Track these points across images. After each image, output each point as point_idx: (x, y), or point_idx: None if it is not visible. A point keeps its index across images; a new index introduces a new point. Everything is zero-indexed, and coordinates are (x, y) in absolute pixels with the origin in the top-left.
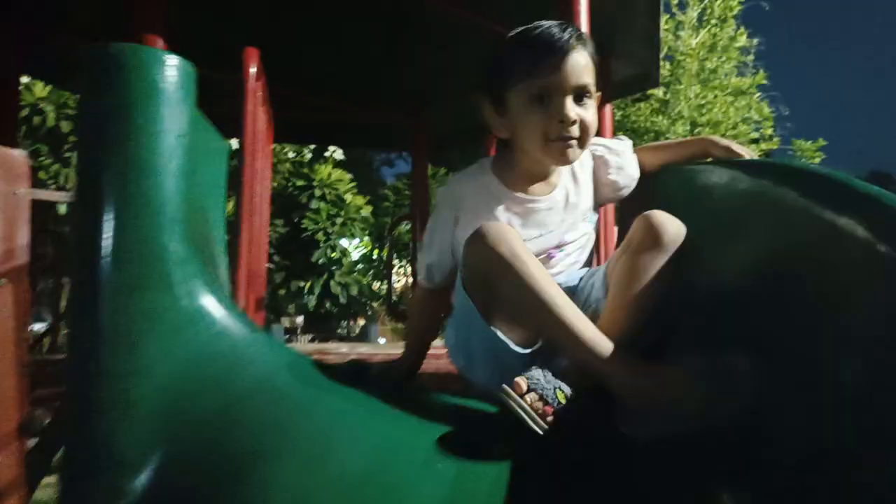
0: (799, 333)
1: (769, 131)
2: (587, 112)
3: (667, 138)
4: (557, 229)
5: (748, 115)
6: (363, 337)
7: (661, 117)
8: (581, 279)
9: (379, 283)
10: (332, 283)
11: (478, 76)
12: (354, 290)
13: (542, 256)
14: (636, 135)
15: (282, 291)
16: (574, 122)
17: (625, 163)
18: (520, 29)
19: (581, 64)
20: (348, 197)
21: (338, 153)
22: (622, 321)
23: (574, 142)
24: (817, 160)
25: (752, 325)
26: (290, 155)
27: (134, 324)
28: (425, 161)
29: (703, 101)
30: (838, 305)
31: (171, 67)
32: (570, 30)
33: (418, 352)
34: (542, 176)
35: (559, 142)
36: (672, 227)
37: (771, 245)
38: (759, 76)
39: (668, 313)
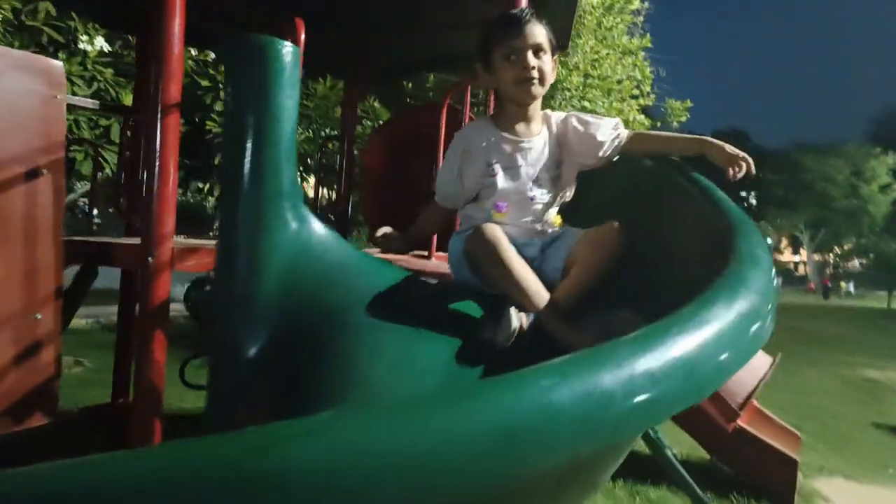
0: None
1: (647, 89)
2: (544, 63)
3: (564, 87)
4: (535, 164)
5: (632, 73)
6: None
7: (560, 68)
8: (539, 254)
9: None
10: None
11: (420, 11)
12: None
13: (524, 192)
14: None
15: (180, 190)
16: (533, 68)
17: (591, 134)
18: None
19: (535, 31)
20: None
21: None
22: (573, 292)
23: (535, 81)
24: (683, 119)
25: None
26: (193, 52)
27: (259, 229)
28: (359, 89)
29: (596, 57)
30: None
31: (290, 52)
32: (529, 11)
33: (415, 236)
34: (526, 120)
35: (524, 82)
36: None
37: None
38: (645, 39)
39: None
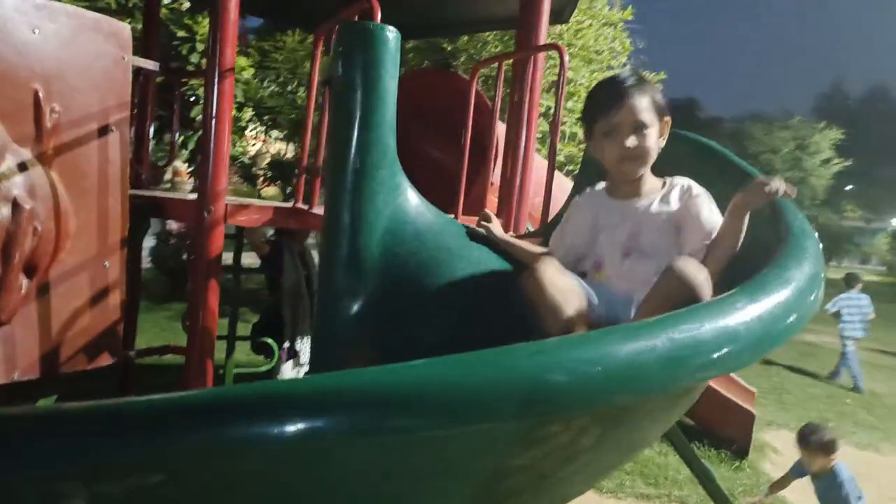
0: None
1: (623, 60)
2: (646, 140)
3: (549, 56)
4: (632, 225)
5: (612, 44)
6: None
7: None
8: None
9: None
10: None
11: None
12: (235, 152)
13: (616, 253)
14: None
15: (153, 142)
16: (633, 147)
17: (695, 227)
18: (601, 79)
19: (637, 105)
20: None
21: None
22: None
23: (635, 161)
24: None
25: None
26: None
27: (365, 198)
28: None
29: (579, 27)
30: None
31: (394, 37)
32: (631, 79)
33: (517, 251)
34: (632, 187)
35: (624, 161)
36: (700, 276)
37: None
38: (626, 12)
39: None
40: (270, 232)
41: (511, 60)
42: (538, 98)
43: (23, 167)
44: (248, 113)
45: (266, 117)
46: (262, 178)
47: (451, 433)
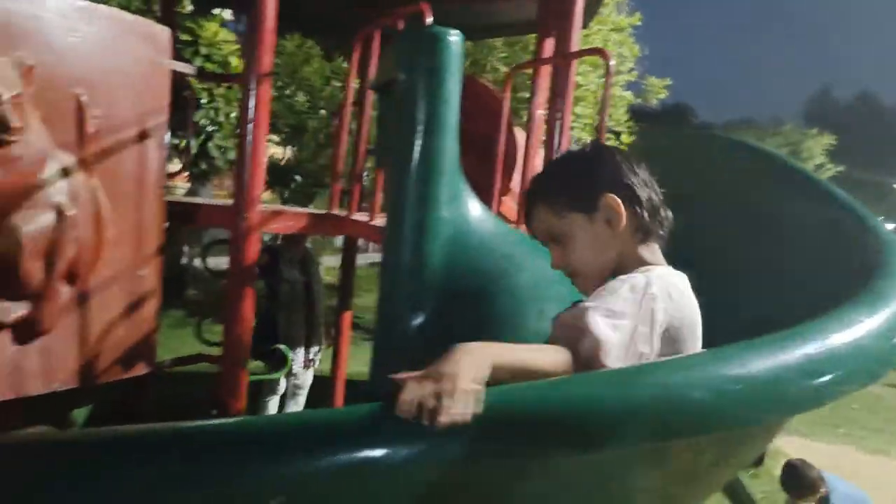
0: None
1: (630, 65)
2: (561, 253)
3: None
4: None
5: (620, 50)
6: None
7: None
8: None
9: None
10: (210, 144)
11: None
12: (231, 154)
13: None
14: (526, 50)
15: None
16: (558, 267)
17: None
18: None
19: (533, 221)
20: (234, 60)
21: (226, 13)
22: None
23: (574, 281)
24: (662, 96)
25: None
26: None
27: (428, 205)
28: None
29: (587, 33)
30: None
31: (458, 41)
32: (533, 183)
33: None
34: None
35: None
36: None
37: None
38: (635, 17)
39: None
40: (267, 238)
41: (530, 68)
42: (571, 104)
43: (66, 173)
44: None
45: None
46: None
47: (590, 457)
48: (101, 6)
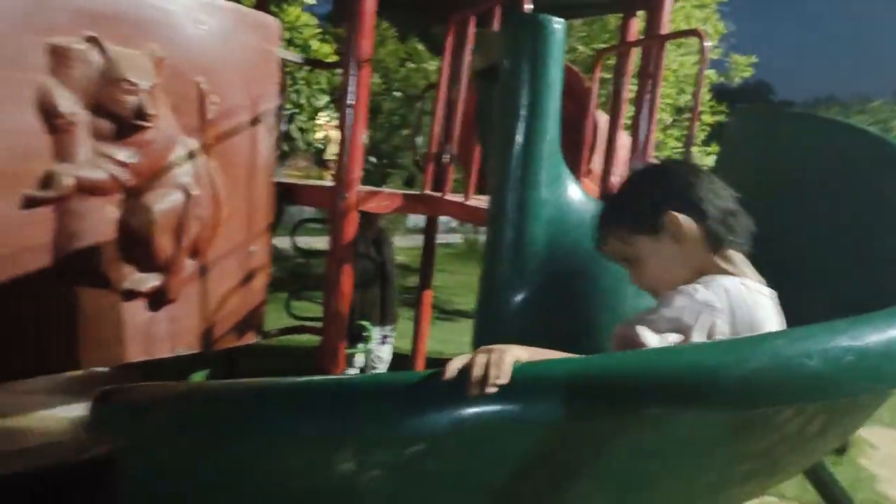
0: None
1: (714, 42)
2: (636, 273)
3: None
4: None
5: (704, 27)
6: None
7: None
8: None
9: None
10: (291, 126)
11: None
12: (311, 137)
13: None
14: (605, 29)
15: None
16: (637, 284)
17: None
18: None
19: (605, 244)
20: (314, 43)
21: None
22: None
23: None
24: (747, 74)
25: None
26: None
27: (530, 187)
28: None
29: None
30: None
31: (561, 28)
32: (599, 230)
33: None
34: None
35: None
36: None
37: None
38: None
39: None
40: None
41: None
42: (660, 87)
43: (190, 156)
44: (324, 99)
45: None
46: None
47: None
48: (223, 1)
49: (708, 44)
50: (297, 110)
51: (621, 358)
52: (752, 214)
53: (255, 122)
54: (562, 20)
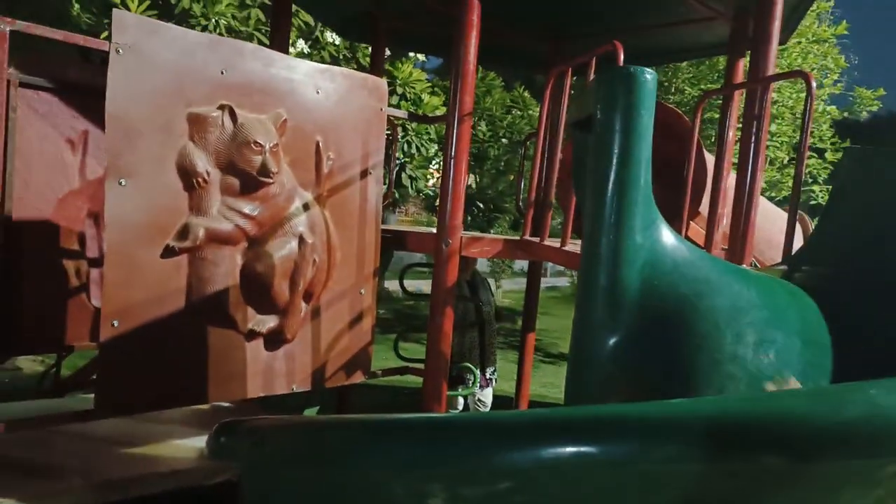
0: None
1: (835, 77)
2: None
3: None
4: None
5: (823, 62)
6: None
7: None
8: None
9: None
10: (403, 174)
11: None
12: (421, 185)
13: None
14: (714, 69)
15: None
16: None
17: None
18: None
19: None
20: (425, 97)
21: (420, 55)
22: None
23: None
24: (874, 108)
25: None
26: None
27: (624, 233)
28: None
29: (784, 47)
30: None
31: (652, 79)
32: None
33: None
34: None
35: None
36: None
37: None
38: (840, 26)
39: None
40: None
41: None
42: (767, 129)
43: (306, 207)
44: (433, 148)
45: None
46: None
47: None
48: (339, 68)
49: (814, 84)
50: (407, 160)
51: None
52: (861, 257)
53: (364, 174)
54: (652, 71)
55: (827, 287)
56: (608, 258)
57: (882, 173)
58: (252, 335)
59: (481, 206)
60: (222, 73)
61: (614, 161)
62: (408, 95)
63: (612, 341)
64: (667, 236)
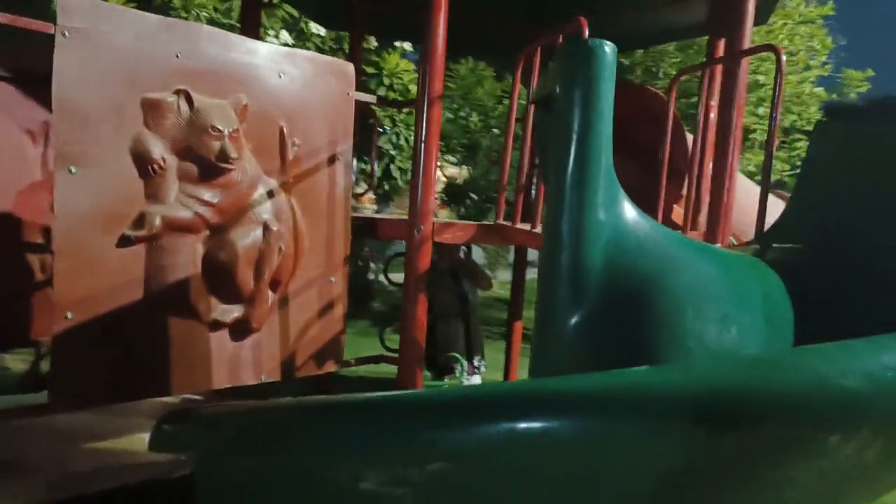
0: None
1: (823, 58)
2: None
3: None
4: None
5: (810, 43)
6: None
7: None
8: None
9: None
10: (392, 167)
11: None
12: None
13: None
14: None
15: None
16: None
17: None
18: None
19: None
20: (412, 87)
21: (406, 45)
22: None
23: None
24: (863, 89)
25: None
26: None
27: (585, 211)
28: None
29: (770, 28)
30: None
31: (613, 52)
32: None
33: None
34: None
35: None
36: None
37: None
38: (827, 7)
39: None
40: None
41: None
42: (743, 107)
43: (271, 195)
44: None
45: (441, 143)
46: (437, 202)
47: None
48: (302, 51)
49: (783, 58)
50: (396, 151)
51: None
52: (832, 234)
53: (332, 160)
54: (612, 44)
55: (797, 264)
56: (570, 237)
57: (852, 148)
58: (216, 325)
59: (474, 196)
60: (177, 56)
61: (574, 137)
62: (395, 86)
63: (574, 321)
64: (630, 214)
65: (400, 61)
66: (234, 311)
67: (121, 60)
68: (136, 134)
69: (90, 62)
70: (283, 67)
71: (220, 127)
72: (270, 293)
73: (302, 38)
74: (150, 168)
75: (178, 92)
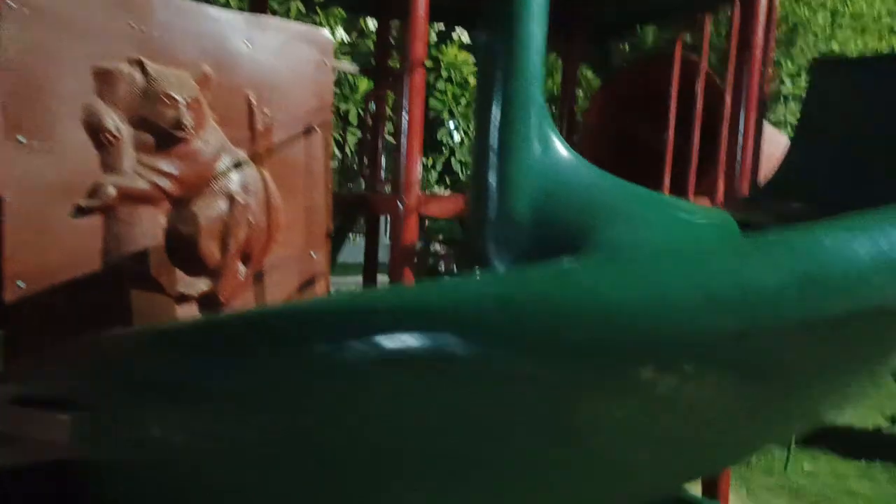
0: None
1: None
2: None
3: (809, 30)
4: None
5: (894, 7)
6: None
7: (801, 6)
8: None
9: None
10: (452, 160)
11: None
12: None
13: None
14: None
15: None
16: None
17: None
18: None
19: None
20: (472, 79)
21: (464, 36)
22: None
23: None
24: None
25: None
26: None
27: (511, 153)
28: (577, 48)
29: None
30: None
31: None
32: None
33: None
34: None
35: None
36: None
37: None
38: None
39: None
40: None
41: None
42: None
43: (238, 166)
44: None
45: None
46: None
47: None
48: (272, 18)
49: None
50: (456, 143)
51: None
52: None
53: (309, 132)
54: None
55: (785, 219)
56: (495, 188)
57: (854, 83)
58: (183, 298)
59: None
60: (131, 25)
61: (498, 74)
62: (454, 78)
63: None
64: (564, 157)
65: (459, 52)
66: (200, 285)
67: (70, 29)
68: (87, 104)
69: (38, 31)
70: (250, 35)
71: (174, 95)
72: (242, 267)
73: (363, 37)
74: (103, 138)
75: (131, 61)
